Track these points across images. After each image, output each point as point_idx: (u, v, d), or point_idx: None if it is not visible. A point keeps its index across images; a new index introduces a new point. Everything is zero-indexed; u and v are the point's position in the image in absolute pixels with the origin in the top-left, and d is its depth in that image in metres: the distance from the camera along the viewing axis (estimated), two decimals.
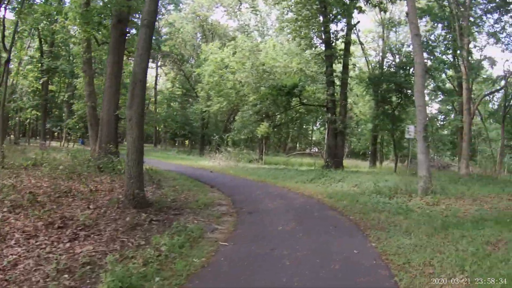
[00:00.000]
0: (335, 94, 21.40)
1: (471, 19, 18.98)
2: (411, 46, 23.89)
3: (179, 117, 40.41)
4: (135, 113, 8.13)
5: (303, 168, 21.50)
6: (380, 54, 28.02)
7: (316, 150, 30.36)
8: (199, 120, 36.35)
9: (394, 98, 22.12)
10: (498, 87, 24.04)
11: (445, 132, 30.09)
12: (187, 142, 47.77)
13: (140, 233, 6.38)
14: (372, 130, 26.49)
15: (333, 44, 21.14)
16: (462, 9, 18.42)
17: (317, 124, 38.34)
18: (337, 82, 21.89)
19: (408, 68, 20.92)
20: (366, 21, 46.43)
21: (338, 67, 22.24)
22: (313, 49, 22.01)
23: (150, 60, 15.55)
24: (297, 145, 44.56)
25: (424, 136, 11.11)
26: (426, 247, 5.70)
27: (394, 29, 29.81)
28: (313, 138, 45.08)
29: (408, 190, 10.78)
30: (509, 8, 19.34)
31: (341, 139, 21.00)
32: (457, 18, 18.30)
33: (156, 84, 50.10)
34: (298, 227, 7.17)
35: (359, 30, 26.82)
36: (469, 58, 19.02)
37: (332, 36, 21.14)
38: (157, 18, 13.41)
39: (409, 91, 20.47)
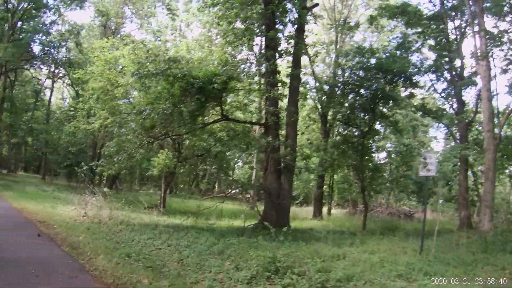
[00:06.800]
0: (280, 107, 13.41)
1: None
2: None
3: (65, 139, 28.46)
4: None
5: (224, 223, 13.10)
6: (333, 58, 20.51)
7: (238, 191, 21.48)
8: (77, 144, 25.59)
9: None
10: None
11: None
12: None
13: None
14: (319, 166, 18.31)
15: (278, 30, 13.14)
16: None
17: (243, 155, 26.85)
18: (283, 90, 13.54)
19: (394, 71, 13.83)
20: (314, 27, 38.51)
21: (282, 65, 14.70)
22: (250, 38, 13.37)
23: None
24: (216, 186, 32.07)
25: None
26: None
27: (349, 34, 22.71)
28: (235, 177, 31.42)
29: None
30: None
31: (287, 180, 12.69)
32: None
33: (50, 100, 39.24)
34: None
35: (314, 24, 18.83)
36: None
37: (277, 20, 13.02)
38: None
39: (384, 108, 15.19)
